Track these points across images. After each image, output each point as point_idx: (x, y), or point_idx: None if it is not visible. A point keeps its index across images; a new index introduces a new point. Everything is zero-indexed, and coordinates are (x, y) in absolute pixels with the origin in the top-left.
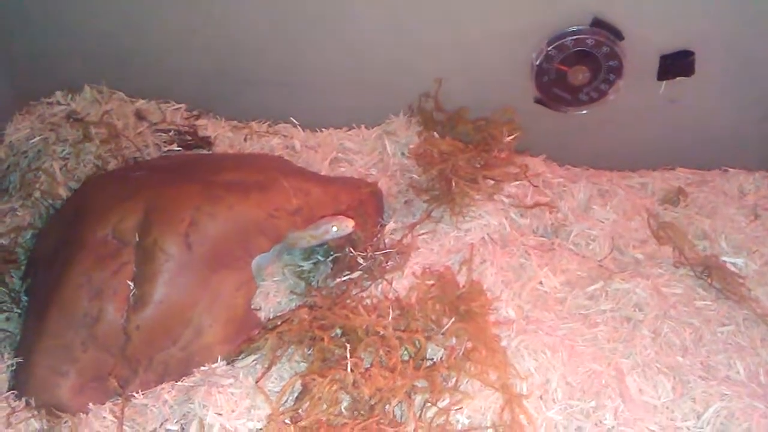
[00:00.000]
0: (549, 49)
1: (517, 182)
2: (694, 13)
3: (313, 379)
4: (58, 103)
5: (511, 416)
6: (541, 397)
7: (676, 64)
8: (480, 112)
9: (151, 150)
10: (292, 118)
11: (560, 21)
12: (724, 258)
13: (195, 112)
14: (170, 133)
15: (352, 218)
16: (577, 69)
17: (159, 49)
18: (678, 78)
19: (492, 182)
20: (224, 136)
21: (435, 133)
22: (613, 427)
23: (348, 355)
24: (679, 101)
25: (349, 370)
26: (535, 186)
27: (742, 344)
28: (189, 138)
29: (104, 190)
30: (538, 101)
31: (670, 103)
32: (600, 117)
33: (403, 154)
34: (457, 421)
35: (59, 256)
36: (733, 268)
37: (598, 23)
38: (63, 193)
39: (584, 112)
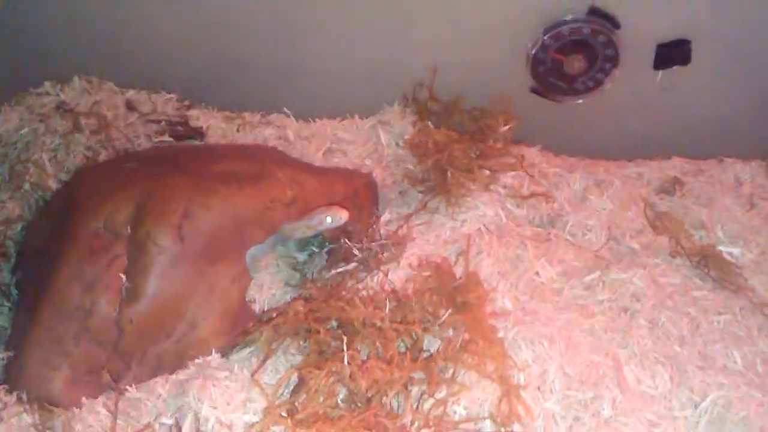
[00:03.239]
0: (545, 38)
1: (513, 172)
2: (690, 1)
3: (310, 372)
4: (47, 94)
5: (509, 407)
6: (538, 388)
7: (672, 53)
8: (475, 102)
9: (142, 141)
10: (285, 108)
11: (556, 9)
12: (721, 247)
13: (186, 102)
14: (161, 124)
15: (347, 209)
16: (573, 58)
17: (149, 38)
18: (674, 67)
19: (488, 172)
20: (216, 126)
21: (430, 123)
22: (610, 417)
23: (344, 348)
24: (675, 90)
25: (345, 362)
26: (532, 176)
27: (739, 334)
28: (180, 128)
29: (95, 182)
30: (533, 91)
31: (666, 92)
32: (596, 106)
33: (397, 144)
34: (455, 413)
35: (50, 249)
36: (729, 258)
37: (594, 11)
38: (53, 185)
39: (580, 101)
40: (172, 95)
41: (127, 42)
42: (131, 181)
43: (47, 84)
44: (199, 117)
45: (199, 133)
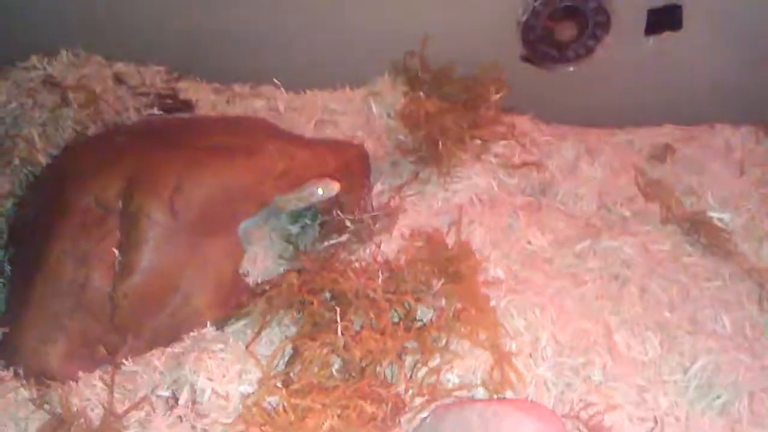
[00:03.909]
0: (536, 4)
1: (505, 141)
2: None
3: (304, 343)
4: (34, 68)
5: (501, 374)
6: (530, 355)
7: (663, 18)
8: (466, 71)
9: (131, 114)
10: (275, 80)
11: None
12: (711, 213)
13: (175, 75)
14: (150, 97)
15: (338, 180)
16: (564, 25)
17: (135, 10)
18: (666, 33)
19: (479, 142)
20: (206, 98)
21: (421, 93)
22: (601, 382)
23: (338, 319)
24: (666, 55)
25: (339, 333)
26: (523, 145)
27: (729, 299)
28: (170, 101)
29: (86, 155)
30: (524, 59)
31: (657, 58)
32: (587, 74)
33: (389, 115)
34: (448, 381)
35: (42, 224)
36: (719, 224)
37: None
38: (42, 159)
39: (571, 69)
40: (160, 68)
41: (114, 14)
42: (122, 156)
43: (34, 58)
44: (189, 89)
45: (188, 105)
